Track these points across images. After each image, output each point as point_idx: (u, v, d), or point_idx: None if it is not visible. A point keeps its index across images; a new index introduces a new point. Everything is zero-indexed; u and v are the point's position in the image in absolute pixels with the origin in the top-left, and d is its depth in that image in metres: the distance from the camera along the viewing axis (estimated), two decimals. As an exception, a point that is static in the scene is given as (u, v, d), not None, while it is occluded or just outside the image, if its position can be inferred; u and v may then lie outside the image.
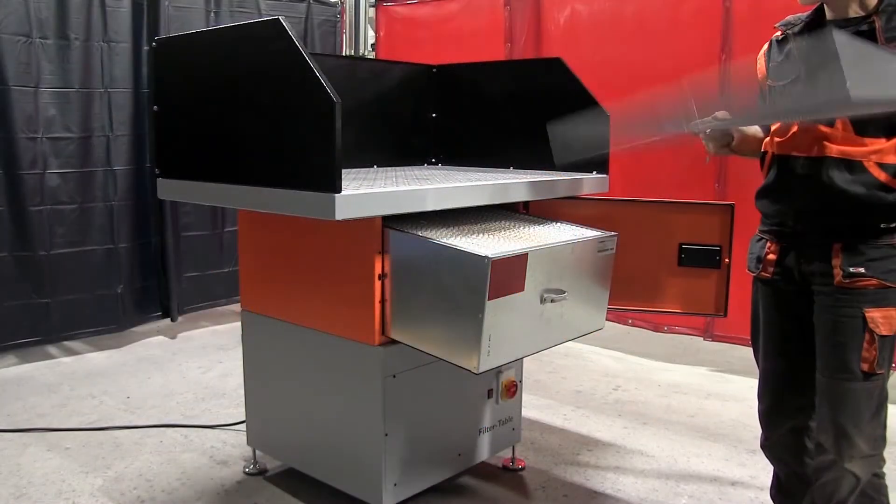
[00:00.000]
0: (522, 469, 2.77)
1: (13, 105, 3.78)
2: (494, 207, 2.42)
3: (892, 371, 1.80)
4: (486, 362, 1.92)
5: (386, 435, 2.17)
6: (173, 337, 4.51)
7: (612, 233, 2.27)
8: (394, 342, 2.15)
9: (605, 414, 3.35)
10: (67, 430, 3.08)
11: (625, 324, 4.33)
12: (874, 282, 1.72)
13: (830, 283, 1.76)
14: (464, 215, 2.29)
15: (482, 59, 3.19)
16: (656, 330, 4.24)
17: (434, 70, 3.16)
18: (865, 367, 1.75)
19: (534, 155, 2.79)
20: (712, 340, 4.04)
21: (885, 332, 1.73)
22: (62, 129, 3.97)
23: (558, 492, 2.62)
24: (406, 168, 3.01)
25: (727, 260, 2.37)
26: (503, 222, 2.32)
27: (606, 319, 2.38)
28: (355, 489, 2.30)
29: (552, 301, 2.06)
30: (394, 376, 2.17)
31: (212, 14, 4.57)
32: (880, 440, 1.80)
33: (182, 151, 2.32)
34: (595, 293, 2.28)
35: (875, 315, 1.72)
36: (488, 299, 1.85)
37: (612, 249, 2.27)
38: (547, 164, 2.74)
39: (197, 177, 2.24)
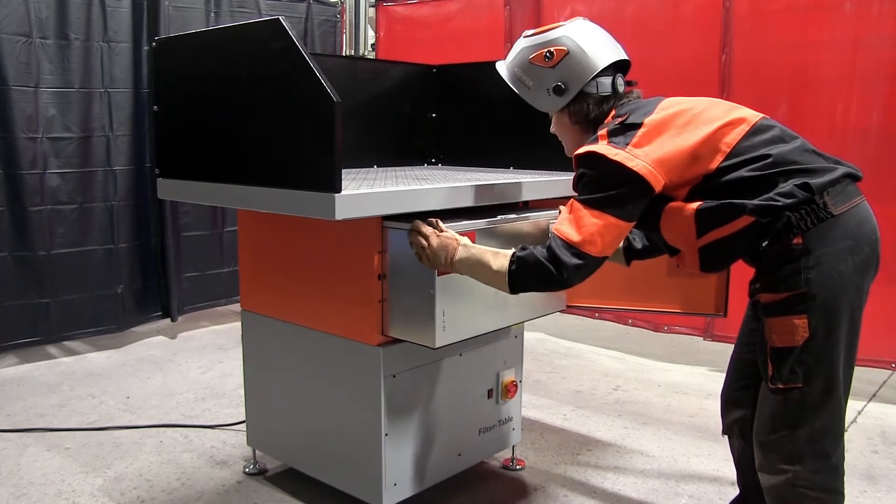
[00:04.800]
0: (522, 469, 2.77)
1: (13, 105, 3.78)
2: (495, 207, 2.42)
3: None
4: (443, 338, 2.02)
5: (386, 435, 2.17)
6: (173, 337, 4.51)
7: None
8: (394, 342, 2.15)
9: (605, 414, 3.35)
10: (67, 430, 3.08)
11: (625, 324, 4.33)
12: (766, 296, 1.73)
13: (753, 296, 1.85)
14: (465, 215, 2.29)
15: (482, 59, 3.19)
16: (656, 330, 4.24)
17: (434, 70, 3.16)
18: (768, 379, 1.74)
19: (534, 155, 2.79)
20: (712, 340, 4.04)
21: (779, 344, 1.69)
22: (62, 129, 3.97)
23: (558, 492, 2.62)
24: (406, 168, 3.01)
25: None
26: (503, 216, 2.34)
27: (606, 319, 2.39)
28: (355, 489, 2.30)
29: None
30: (394, 376, 2.17)
31: (212, 14, 4.57)
32: (798, 456, 1.72)
33: (182, 151, 2.32)
34: None
35: (772, 322, 1.71)
36: (438, 275, 1.97)
37: None
38: (547, 164, 2.74)
39: (197, 177, 2.24)
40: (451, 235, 1.94)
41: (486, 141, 3.00)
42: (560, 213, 1.85)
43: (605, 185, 1.73)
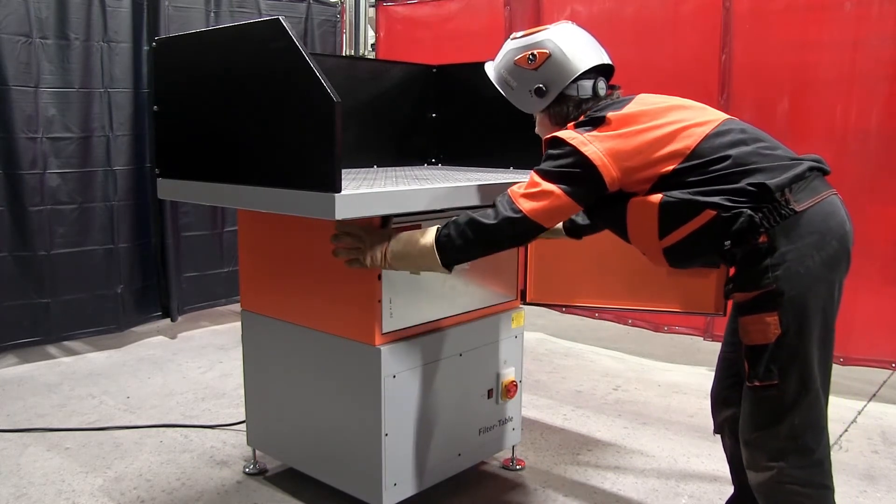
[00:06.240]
0: (522, 469, 2.77)
1: (13, 105, 3.78)
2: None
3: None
4: (391, 324, 2.15)
5: (386, 435, 2.17)
6: (173, 337, 4.51)
7: None
8: (394, 342, 2.15)
9: (605, 414, 3.35)
10: (67, 430, 3.08)
11: (625, 324, 4.33)
12: (739, 295, 1.76)
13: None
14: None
15: (482, 59, 3.19)
16: (656, 330, 4.24)
17: (434, 70, 3.16)
18: (746, 378, 1.77)
19: (534, 155, 2.77)
20: (712, 340, 4.04)
21: (753, 342, 1.72)
22: (62, 129, 3.97)
23: (558, 492, 2.62)
24: (406, 168, 3.01)
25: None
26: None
27: (606, 319, 2.39)
28: (355, 489, 2.30)
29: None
30: (394, 376, 2.17)
31: (212, 14, 4.57)
32: (781, 452, 1.73)
33: (182, 151, 2.32)
34: (501, 265, 2.48)
35: (745, 321, 1.74)
36: None
37: None
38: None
39: (197, 177, 2.24)
40: (382, 231, 2.03)
41: (486, 141, 3.00)
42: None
43: (560, 163, 1.80)
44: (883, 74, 3.42)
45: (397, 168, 2.99)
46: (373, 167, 2.95)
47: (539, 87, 1.99)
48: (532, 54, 1.99)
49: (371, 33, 5.50)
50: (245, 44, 2.03)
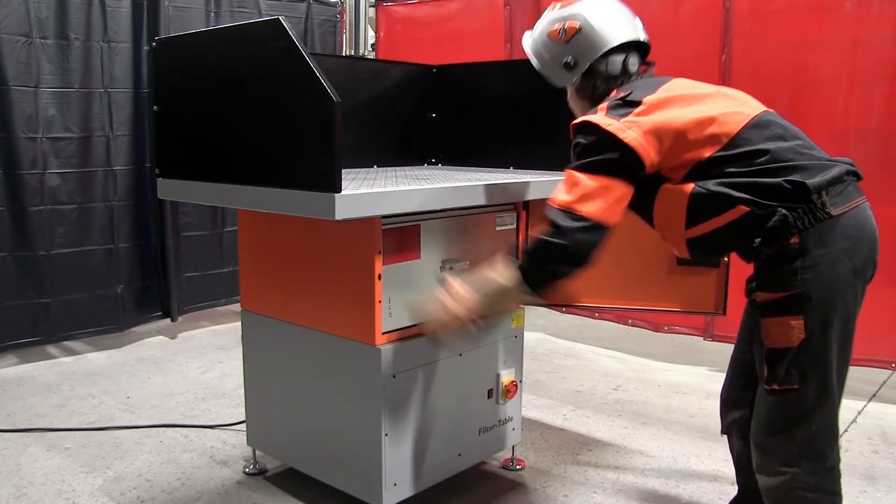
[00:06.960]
0: (522, 469, 2.77)
1: (13, 105, 3.78)
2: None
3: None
4: (390, 323, 2.14)
5: (386, 435, 2.17)
6: (173, 337, 4.51)
7: (511, 206, 2.42)
8: (394, 342, 2.15)
9: (605, 414, 3.35)
10: (67, 430, 3.08)
11: (625, 324, 4.33)
12: (763, 295, 1.74)
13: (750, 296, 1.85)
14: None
15: (482, 59, 3.19)
16: (656, 330, 4.24)
17: (434, 70, 3.16)
18: (764, 380, 1.75)
19: (534, 155, 2.79)
20: (712, 340, 4.04)
21: (775, 344, 1.70)
22: (62, 129, 3.97)
23: (558, 492, 2.62)
24: (406, 168, 3.01)
25: (726, 258, 2.37)
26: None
27: (606, 319, 2.39)
28: (355, 489, 2.30)
29: (451, 269, 2.24)
30: (394, 376, 2.17)
31: (212, 14, 4.57)
32: (796, 458, 1.72)
33: (182, 151, 2.32)
34: None
35: (768, 323, 1.72)
36: (383, 264, 2.06)
37: (511, 225, 2.45)
38: (547, 164, 2.74)
39: (197, 177, 2.24)
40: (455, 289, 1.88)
41: (486, 141, 3.01)
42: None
43: (599, 151, 1.73)
44: (883, 74, 3.42)
45: (397, 168, 2.99)
46: (373, 167, 2.96)
47: (567, 62, 1.96)
48: (563, 27, 1.96)
49: (371, 33, 5.50)
50: (245, 44, 2.03)
